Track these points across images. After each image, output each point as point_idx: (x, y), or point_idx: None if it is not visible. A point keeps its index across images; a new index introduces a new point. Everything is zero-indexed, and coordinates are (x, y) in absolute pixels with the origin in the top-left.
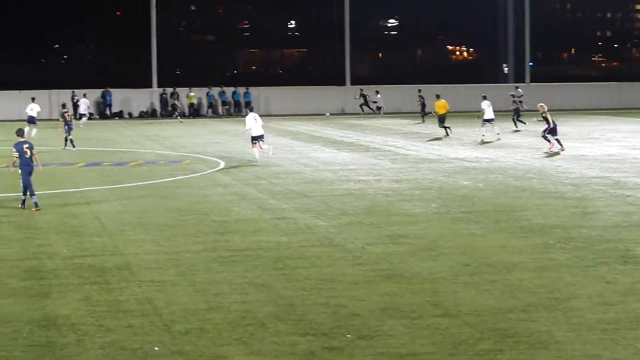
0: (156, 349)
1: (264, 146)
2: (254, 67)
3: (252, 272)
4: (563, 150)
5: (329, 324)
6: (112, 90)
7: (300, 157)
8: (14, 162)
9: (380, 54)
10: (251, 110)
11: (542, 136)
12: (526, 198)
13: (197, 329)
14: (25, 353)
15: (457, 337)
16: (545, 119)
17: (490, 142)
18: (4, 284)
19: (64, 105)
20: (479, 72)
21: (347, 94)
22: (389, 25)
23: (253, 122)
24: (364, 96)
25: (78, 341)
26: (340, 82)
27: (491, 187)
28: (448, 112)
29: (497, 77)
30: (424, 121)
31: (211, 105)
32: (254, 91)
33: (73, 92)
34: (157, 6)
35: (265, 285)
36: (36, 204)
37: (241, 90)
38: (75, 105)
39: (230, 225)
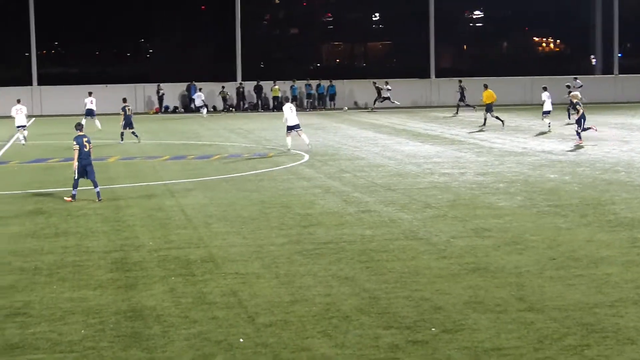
0: (241, 340)
1: (303, 135)
2: (337, 60)
3: (335, 265)
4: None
5: (413, 317)
6: (197, 84)
7: (384, 150)
8: (76, 156)
9: (465, 46)
10: (286, 101)
11: (581, 129)
12: (613, 191)
13: (281, 321)
14: (112, 344)
15: (542, 331)
16: (577, 110)
17: (544, 132)
18: (91, 276)
19: (124, 100)
20: (566, 63)
21: (432, 87)
22: (475, 17)
23: (289, 112)
24: (378, 89)
25: (163, 332)
26: (425, 75)
27: (578, 180)
28: (495, 102)
29: (585, 69)
30: (457, 113)
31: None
32: (338, 84)
33: (159, 86)
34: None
35: (348, 278)
36: (99, 194)
37: (325, 83)
38: (161, 99)
39: (314, 218)
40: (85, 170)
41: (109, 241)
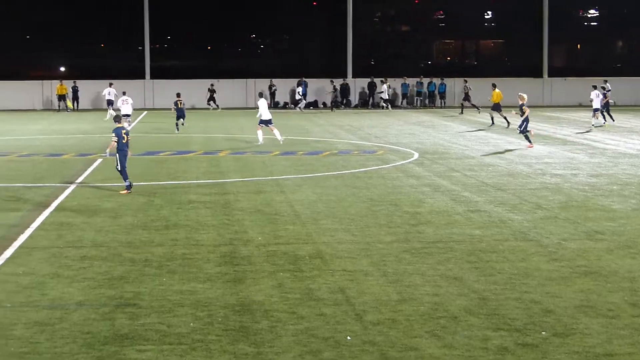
0: (348, 338)
1: (275, 130)
2: (448, 58)
3: (444, 264)
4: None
5: (522, 319)
6: (306, 79)
7: (495, 149)
8: (112, 147)
9: (578, 45)
10: (261, 96)
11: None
12: None
13: (388, 320)
14: (220, 337)
15: None
16: (522, 111)
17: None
18: (200, 269)
19: (178, 95)
20: None
21: (545, 86)
22: (589, 15)
23: (264, 107)
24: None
25: (271, 327)
26: (538, 74)
27: None
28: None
29: None
30: (462, 112)
31: (405, 96)
32: (449, 82)
33: (271, 81)
34: None
35: (457, 278)
36: (128, 187)
37: (437, 81)
38: (273, 95)
39: (422, 216)
40: (124, 160)
41: (218, 235)
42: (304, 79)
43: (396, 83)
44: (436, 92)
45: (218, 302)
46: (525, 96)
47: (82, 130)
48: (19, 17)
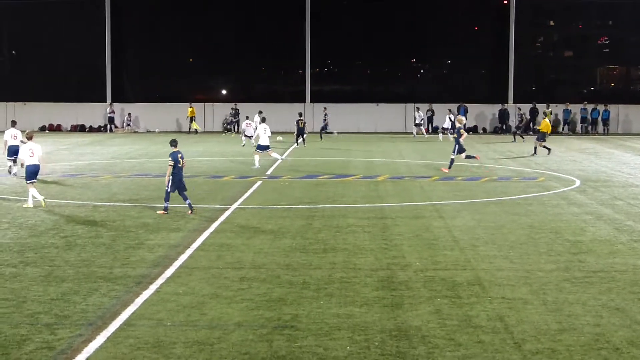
0: None
1: (273, 153)
2: (612, 84)
3: (606, 294)
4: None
5: None
6: (467, 105)
7: None
8: (170, 171)
9: None
10: (263, 121)
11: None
12: None
13: (548, 350)
14: None
15: None
16: (460, 134)
17: None
18: (358, 293)
19: (300, 114)
20: None
21: None
22: None
23: (263, 133)
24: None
25: (428, 354)
26: None
27: None
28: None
29: None
30: (514, 140)
31: (567, 123)
32: (613, 109)
33: (430, 105)
34: (515, 21)
35: (619, 309)
36: (190, 206)
37: (600, 107)
38: (430, 119)
39: (584, 245)
40: (179, 185)
41: (375, 259)
42: (464, 104)
43: (558, 109)
44: (599, 118)
45: (375, 327)
46: (463, 119)
47: (242, 153)
48: (180, 39)
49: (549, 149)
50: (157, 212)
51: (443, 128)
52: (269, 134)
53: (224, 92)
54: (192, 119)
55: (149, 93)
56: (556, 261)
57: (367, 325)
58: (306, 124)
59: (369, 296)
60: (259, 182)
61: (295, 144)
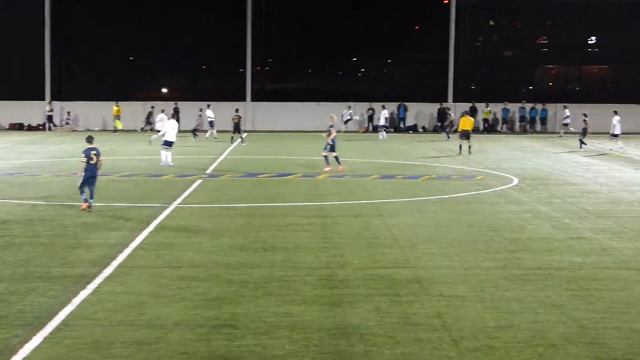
0: None
1: (169, 153)
2: (550, 84)
3: (543, 291)
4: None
5: (622, 349)
6: (407, 104)
7: (597, 176)
8: (83, 167)
9: None
10: (173, 117)
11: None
12: None
13: (485, 347)
14: None
15: None
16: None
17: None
18: (297, 292)
19: (237, 110)
20: None
21: None
22: None
23: (170, 129)
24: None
25: (367, 352)
26: None
27: None
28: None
29: None
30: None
31: (505, 121)
32: (551, 108)
33: (370, 105)
34: (455, 20)
35: (556, 306)
36: (88, 203)
37: (539, 106)
38: (370, 118)
39: (522, 243)
40: (89, 180)
41: (315, 258)
42: (403, 103)
43: (497, 108)
44: (537, 117)
45: (314, 325)
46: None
47: (183, 152)
48: (123, 39)
49: (460, 147)
50: (81, 208)
51: (381, 126)
52: (177, 130)
53: (164, 90)
54: (117, 117)
55: (89, 91)
56: (494, 259)
57: (306, 324)
58: (242, 120)
59: (308, 295)
60: (199, 181)
61: (230, 142)
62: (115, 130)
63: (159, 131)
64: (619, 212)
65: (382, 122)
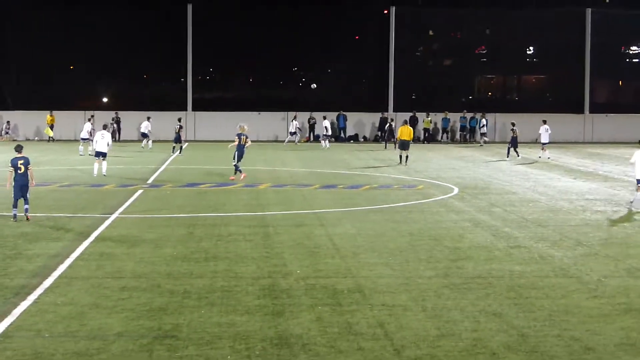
0: None
1: (104, 163)
2: (490, 93)
3: (484, 300)
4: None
5: (563, 357)
6: (346, 113)
7: (536, 185)
8: (11, 177)
9: (620, 82)
10: (104, 128)
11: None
12: None
13: (427, 355)
14: None
15: None
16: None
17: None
18: (239, 302)
19: (179, 120)
20: None
21: (586, 122)
22: (631, 52)
23: (100, 139)
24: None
25: None
26: (579, 110)
27: None
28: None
29: None
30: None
31: (445, 130)
32: (491, 117)
33: (310, 114)
34: (395, 30)
35: (497, 314)
36: (27, 210)
37: (478, 116)
38: (312, 127)
39: (463, 252)
40: (21, 190)
41: (257, 268)
42: (342, 113)
43: (437, 117)
44: (477, 127)
45: (257, 335)
46: (245, 126)
47: (123, 162)
48: (64, 47)
49: (400, 157)
50: (12, 220)
51: (323, 135)
52: (109, 140)
53: (105, 99)
54: (51, 127)
55: (29, 100)
56: (435, 268)
57: (249, 334)
58: (182, 129)
59: (250, 305)
60: (140, 191)
61: (171, 151)
62: (50, 139)
63: (85, 139)
64: (558, 221)
65: (324, 131)
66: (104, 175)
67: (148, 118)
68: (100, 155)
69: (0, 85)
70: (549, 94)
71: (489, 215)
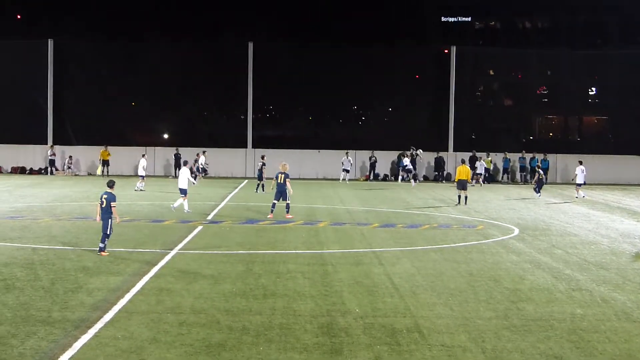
0: None
1: (185, 201)
2: (550, 134)
3: (544, 342)
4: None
5: None
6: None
7: (597, 227)
8: (98, 210)
9: None
10: (185, 165)
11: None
12: None
13: None
14: None
15: None
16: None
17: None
18: (298, 339)
19: (262, 157)
20: None
21: None
22: None
23: (180, 175)
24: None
25: None
26: None
27: None
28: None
29: None
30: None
31: (506, 171)
32: (552, 158)
33: (372, 152)
34: (455, 70)
35: (557, 357)
36: (102, 249)
37: (539, 156)
38: (372, 166)
39: (523, 293)
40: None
41: (316, 305)
42: (412, 151)
43: (497, 158)
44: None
45: None
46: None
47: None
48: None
49: (458, 198)
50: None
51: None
52: (188, 176)
53: (165, 136)
54: (106, 162)
55: (91, 136)
56: (495, 309)
57: None
58: (265, 166)
59: (308, 342)
60: (200, 227)
61: (255, 190)
62: (103, 174)
63: (142, 176)
64: (620, 264)
65: (409, 169)
66: (188, 211)
67: (204, 152)
68: (182, 192)
69: (64, 120)
70: (611, 135)
71: (549, 257)
